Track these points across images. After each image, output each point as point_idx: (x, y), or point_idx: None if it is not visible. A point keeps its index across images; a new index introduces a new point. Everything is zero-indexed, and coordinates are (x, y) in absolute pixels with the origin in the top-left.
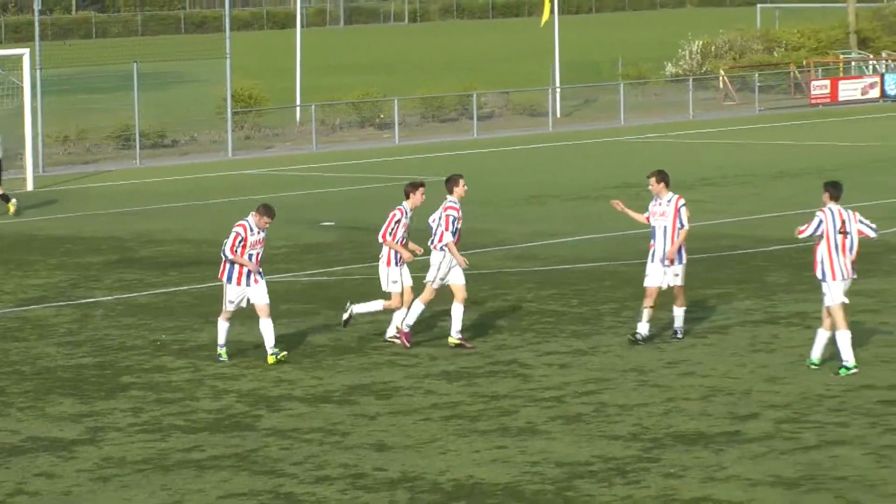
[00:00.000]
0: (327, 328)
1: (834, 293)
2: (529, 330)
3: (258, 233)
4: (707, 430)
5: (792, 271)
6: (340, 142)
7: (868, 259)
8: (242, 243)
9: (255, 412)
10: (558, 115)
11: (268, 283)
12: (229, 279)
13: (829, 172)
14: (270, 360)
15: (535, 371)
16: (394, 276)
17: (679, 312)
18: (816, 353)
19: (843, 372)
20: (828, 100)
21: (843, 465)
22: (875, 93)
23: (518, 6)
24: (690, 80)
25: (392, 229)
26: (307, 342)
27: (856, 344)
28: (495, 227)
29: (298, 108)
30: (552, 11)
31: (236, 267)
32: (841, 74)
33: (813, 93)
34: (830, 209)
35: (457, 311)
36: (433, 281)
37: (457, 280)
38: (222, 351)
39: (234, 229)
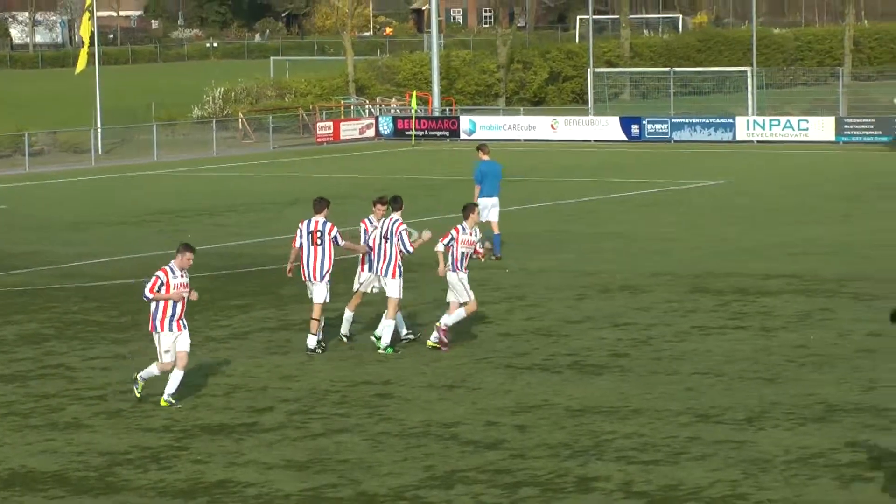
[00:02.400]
0: None
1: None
2: (76, 338)
3: (182, 275)
4: (229, 421)
5: (301, 286)
6: None
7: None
8: (163, 287)
9: None
10: (100, 151)
11: None
12: (157, 328)
13: (335, 200)
14: (162, 402)
15: (80, 373)
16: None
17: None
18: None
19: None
20: (331, 138)
21: (345, 449)
22: (371, 132)
23: (65, 57)
24: (214, 121)
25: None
26: None
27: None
28: (45, 250)
29: None
30: (93, 62)
31: (159, 313)
32: (342, 117)
33: (318, 132)
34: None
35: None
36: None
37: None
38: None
39: (156, 273)
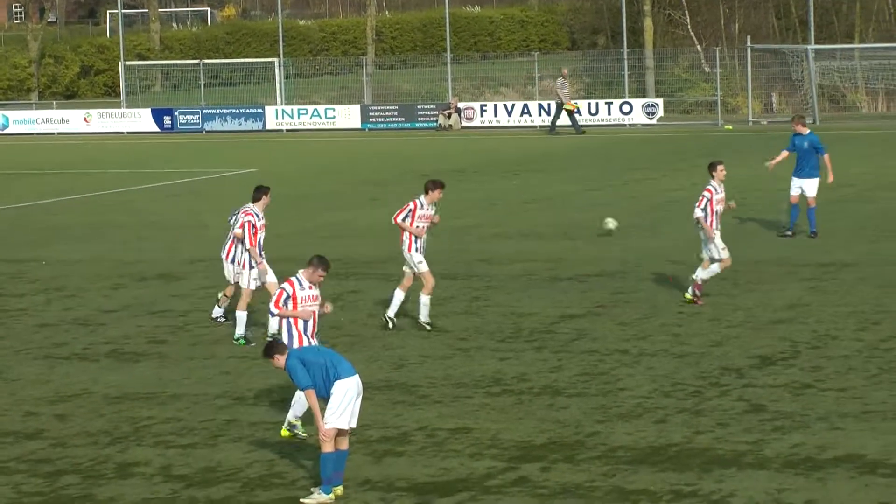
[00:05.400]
0: None
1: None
2: None
3: (310, 287)
4: None
5: None
6: None
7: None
8: (290, 301)
9: None
10: None
11: None
12: (291, 346)
13: None
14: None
15: None
16: (417, 259)
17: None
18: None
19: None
20: None
21: None
22: None
23: None
24: None
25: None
26: None
27: None
28: None
29: None
30: None
31: (294, 329)
32: None
33: None
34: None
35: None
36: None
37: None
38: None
39: (281, 285)
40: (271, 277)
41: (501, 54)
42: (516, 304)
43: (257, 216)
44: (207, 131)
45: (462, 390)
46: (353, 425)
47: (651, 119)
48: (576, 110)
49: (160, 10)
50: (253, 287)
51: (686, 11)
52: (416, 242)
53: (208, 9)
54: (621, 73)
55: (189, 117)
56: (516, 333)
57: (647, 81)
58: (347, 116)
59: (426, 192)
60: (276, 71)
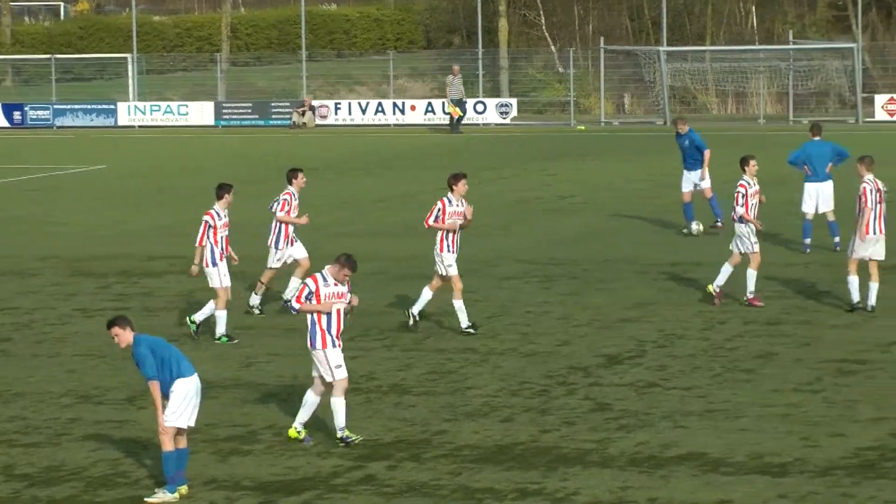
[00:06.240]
0: None
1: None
2: None
3: (335, 283)
4: None
5: None
6: None
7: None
8: (312, 296)
9: None
10: None
11: None
12: (316, 345)
13: None
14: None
15: None
16: (448, 261)
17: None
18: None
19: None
20: None
21: None
22: None
23: None
24: None
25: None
26: None
27: None
28: None
29: None
30: None
31: (317, 327)
32: None
33: None
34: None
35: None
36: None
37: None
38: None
39: (304, 280)
40: (216, 283)
41: (357, 52)
42: (367, 302)
43: (218, 215)
44: (59, 127)
45: None
46: (192, 424)
47: (505, 119)
48: (458, 116)
49: (11, 3)
50: (227, 284)
51: (541, 12)
52: (447, 240)
53: (61, 3)
54: (476, 73)
55: (40, 112)
56: (366, 332)
57: (502, 81)
58: (201, 113)
59: (450, 189)
60: (130, 67)
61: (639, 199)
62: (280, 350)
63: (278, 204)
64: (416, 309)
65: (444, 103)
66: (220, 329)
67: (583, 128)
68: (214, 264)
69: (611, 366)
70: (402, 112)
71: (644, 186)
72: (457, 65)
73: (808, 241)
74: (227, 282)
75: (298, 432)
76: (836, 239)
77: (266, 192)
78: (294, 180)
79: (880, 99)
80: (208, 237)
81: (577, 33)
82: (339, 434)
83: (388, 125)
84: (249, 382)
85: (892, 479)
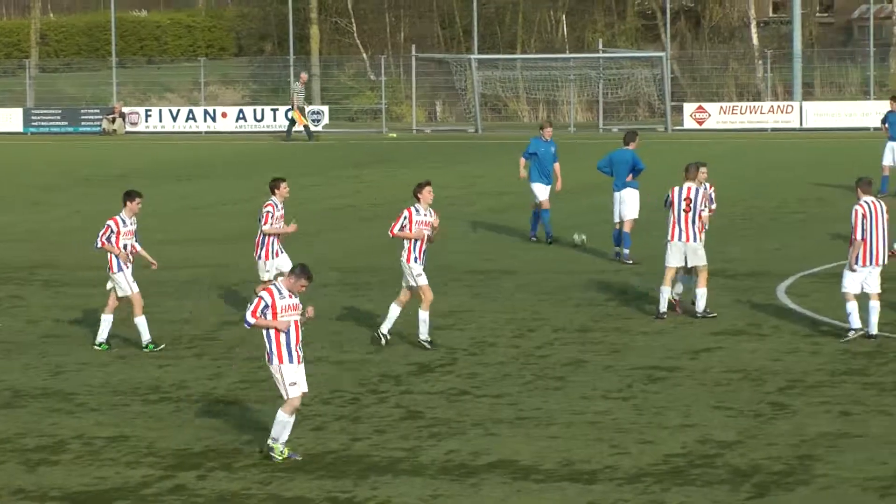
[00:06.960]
0: None
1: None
2: None
3: (290, 296)
4: None
5: None
6: None
7: None
8: (268, 310)
9: None
10: None
11: None
12: (273, 360)
13: None
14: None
15: None
16: (416, 271)
17: None
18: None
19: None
20: None
21: None
22: None
23: None
24: None
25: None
26: None
27: None
28: None
29: None
30: None
31: (273, 342)
32: None
33: None
34: None
35: None
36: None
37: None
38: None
39: (259, 293)
40: (126, 290)
41: (168, 59)
42: (178, 310)
43: (123, 222)
44: None
45: (120, 398)
46: None
47: (316, 126)
48: (303, 125)
49: None
50: (136, 290)
51: (353, 20)
52: (415, 251)
53: None
54: (287, 80)
55: None
56: (177, 340)
57: (313, 88)
58: (9, 120)
59: (416, 197)
60: None
61: (452, 207)
62: (89, 359)
63: (262, 217)
64: (384, 328)
65: (287, 111)
66: (146, 336)
67: (395, 135)
68: (119, 269)
69: (422, 374)
70: (214, 119)
71: (457, 193)
72: (305, 73)
73: (617, 248)
74: (135, 287)
75: (282, 451)
76: (626, 251)
77: (71, 200)
78: (277, 190)
79: (689, 107)
80: (110, 241)
81: (389, 41)
82: (269, 442)
83: (200, 132)
84: (59, 391)
85: (700, 486)
